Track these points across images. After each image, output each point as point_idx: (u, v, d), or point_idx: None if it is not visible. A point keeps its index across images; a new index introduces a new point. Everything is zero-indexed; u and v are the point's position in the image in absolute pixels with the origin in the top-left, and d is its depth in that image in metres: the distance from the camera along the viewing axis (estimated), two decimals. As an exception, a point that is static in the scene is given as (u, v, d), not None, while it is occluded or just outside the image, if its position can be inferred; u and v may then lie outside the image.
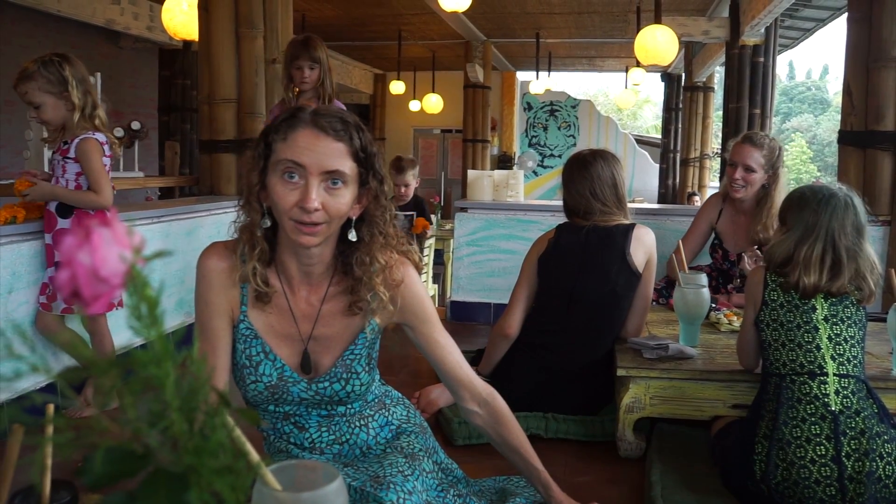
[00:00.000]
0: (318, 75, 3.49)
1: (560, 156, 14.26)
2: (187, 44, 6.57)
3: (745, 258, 3.12)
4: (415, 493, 1.55)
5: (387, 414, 1.73)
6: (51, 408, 0.94)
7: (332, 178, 1.39)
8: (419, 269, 1.67)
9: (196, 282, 1.55)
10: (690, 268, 3.36)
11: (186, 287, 3.70)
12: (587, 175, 2.76)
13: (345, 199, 1.42)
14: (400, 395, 1.85)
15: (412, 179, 4.81)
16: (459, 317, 4.54)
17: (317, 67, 3.47)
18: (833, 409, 1.92)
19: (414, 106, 11.99)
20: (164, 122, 8.02)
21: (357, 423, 1.67)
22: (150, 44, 8.09)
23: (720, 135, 8.67)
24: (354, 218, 1.50)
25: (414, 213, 4.58)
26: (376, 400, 1.73)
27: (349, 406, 1.65)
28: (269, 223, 1.47)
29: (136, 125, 4.53)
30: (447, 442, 2.52)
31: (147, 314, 0.51)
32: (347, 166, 1.41)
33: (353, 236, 1.50)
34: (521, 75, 14.08)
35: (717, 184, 9.11)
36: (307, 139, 1.39)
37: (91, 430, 0.48)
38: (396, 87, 11.03)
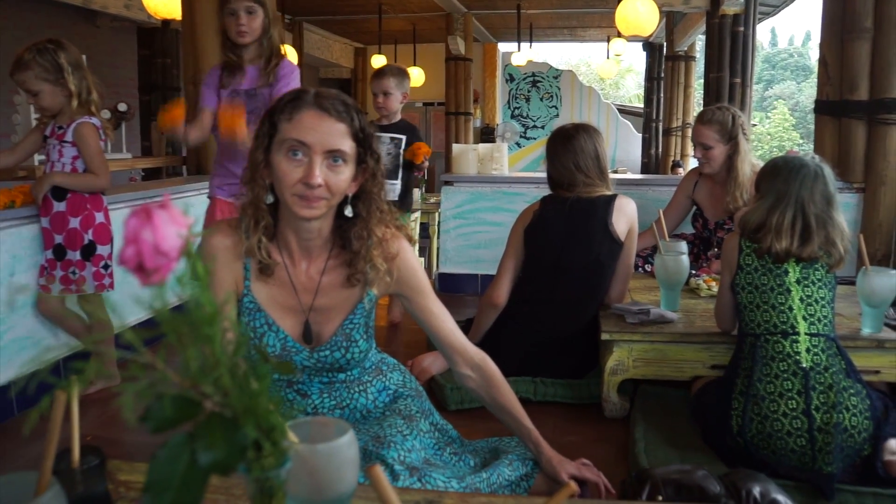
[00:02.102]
0: (260, 23, 2.78)
1: (543, 127, 14.31)
2: (166, 22, 6.52)
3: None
4: (413, 451, 1.66)
5: (384, 379, 1.83)
6: (73, 379, 1.03)
7: (334, 156, 1.48)
8: (412, 243, 1.76)
9: (201, 258, 1.63)
10: (673, 236, 3.47)
11: (179, 266, 3.77)
12: (570, 148, 2.86)
13: (345, 176, 1.51)
14: (396, 361, 1.94)
15: (395, 88, 3.74)
16: (447, 288, 4.63)
17: (258, 12, 2.77)
18: (804, 365, 2.04)
19: (396, 79, 11.96)
20: (146, 102, 7.95)
21: (356, 389, 1.77)
22: (128, 22, 8.01)
23: (702, 103, 8.75)
24: (351, 195, 1.58)
25: (403, 136, 3.73)
26: (374, 367, 1.83)
27: (349, 373, 1.74)
28: (272, 199, 1.56)
29: (122, 107, 4.56)
30: (440, 407, 2.62)
31: (199, 281, 0.60)
32: (348, 145, 1.50)
33: (349, 212, 1.59)
34: (503, 46, 14.05)
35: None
36: (311, 119, 1.47)
37: (162, 380, 0.58)
38: (378, 61, 11.00)
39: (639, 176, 6.46)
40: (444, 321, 1.74)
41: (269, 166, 1.52)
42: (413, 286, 1.70)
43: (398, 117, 3.80)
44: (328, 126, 1.48)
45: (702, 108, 7.70)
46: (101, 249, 2.81)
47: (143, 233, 0.58)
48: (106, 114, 3.15)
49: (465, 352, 1.74)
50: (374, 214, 1.60)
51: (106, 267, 2.83)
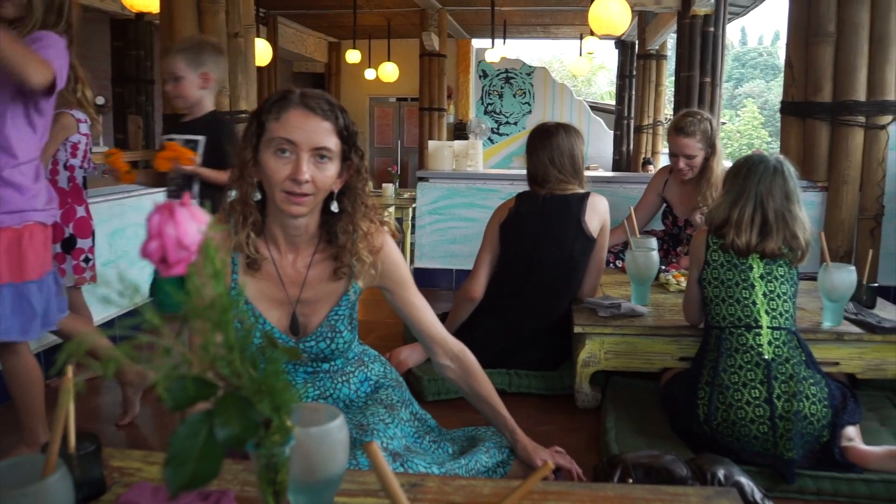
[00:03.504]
0: None
1: (515, 123, 14.40)
2: (140, 14, 6.48)
3: (697, 219, 3.33)
4: (396, 438, 1.73)
5: (366, 370, 1.89)
6: (69, 368, 1.07)
7: (320, 153, 1.54)
8: (395, 238, 1.82)
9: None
10: (643, 232, 3.57)
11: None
12: (548, 144, 2.94)
13: (330, 173, 1.57)
14: (377, 353, 2.00)
15: (187, 69, 2.72)
16: (422, 283, 4.68)
17: None
18: (766, 357, 2.14)
19: (369, 74, 11.96)
20: (119, 94, 7.90)
21: (339, 379, 1.82)
22: (101, 13, 7.95)
23: (673, 101, 8.88)
24: (336, 191, 1.64)
25: (202, 137, 2.74)
26: (356, 358, 1.88)
27: (332, 363, 1.80)
28: (259, 196, 1.61)
29: (100, 100, 4.54)
30: (418, 398, 2.67)
31: (214, 274, 0.66)
32: (333, 143, 1.56)
33: (335, 207, 1.65)
34: (477, 43, 14.11)
35: (669, 150, 9.31)
36: (298, 119, 1.53)
37: (184, 362, 0.63)
38: (352, 55, 11.01)
39: (610, 174, 6.56)
40: (425, 313, 1.81)
41: (258, 164, 1.57)
42: (396, 279, 1.77)
43: (203, 109, 2.82)
44: (314, 124, 1.54)
45: (675, 108, 7.87)
46: (82, 243, 2.83)
47: (167, 228, 0.64)
48: (100, 100, 3.13)
49: (446, 343, 1.81)
50: (359, 209, 1.66)
51: (87, 260, 2.85)
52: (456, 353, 1.81)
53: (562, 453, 1.81)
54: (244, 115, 4.53)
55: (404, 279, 1.78)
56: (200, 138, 2.73)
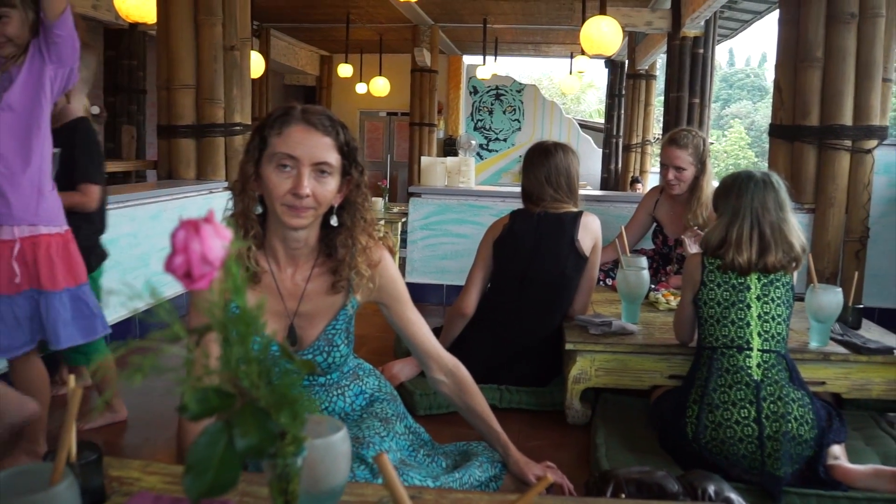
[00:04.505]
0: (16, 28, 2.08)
1: (505, 139, 14.49)
2: (134, 24, 6.50)
3: (686, 239, 3.37)
4: (391, 451, 1.75)
5: (360, 384, 1.91)
6: (72, 377, 1.09)
7: (321, 168, 1.57)
8: (392, 252, 1.85)
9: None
10: (634, 251, 3.61)
11: (152, 269, 3.80)
12: (545, 163, 2.98)
13: (331, 187, 1.60)
14: (371, 367, 2.02)
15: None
16: (413, 298, 4.62)
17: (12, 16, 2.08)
18: (755, 378, 2.18)
19: (360, 88, 12.01)
20: (111, 104, 7.92)
21: (335, 392, 1.84)
22: (95, 22, 7.97)
23: (661, 120, 8.97)
24: (336, 206, 1.67)
25: (57, 150, 2.30)
26: (351, 371, 1.90)
27: (328, 377, 1.82)
28: (260, 209, 1.64)
29: (95, 109, 4.56)
30: (410, 412, 2.70)
31: (237, 287, 0.69)
32: (334, 158, 1.59)
33: (334, 221, 1.67)
34: (468, 59, 14.22)
35: (657, 169, 9.40)
36: (300, 134, 1.56)
37: (207, 374, 0.66)
38: (345, 70, 11.06)
39: (600, 192, 6.63)
40: (420, 328, 1.83)
41: (259, 178, 1.60)
42: (394, 295, 1.79)
43: (69, 115, 2.55)
44: (315, 140, 1.57)
45: (665, 128, 7.95)
46: (78, 252, 2.84)
47: (192, 244, 0.66)
48: (95, 109, 3.16)
49: (440, 358, 1.83)
50: (358, 223, 1.69)
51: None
52: (451, 368, 1.83)
53: (553, 468, 1.83)
54: (238, 128, 4.56)
55: (401, 294, 1.81)
56: (56, 151, 2.28)
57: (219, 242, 0.67)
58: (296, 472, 0.79)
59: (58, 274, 2.11)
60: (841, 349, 2.62)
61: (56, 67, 2.10)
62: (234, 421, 0.68)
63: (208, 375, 0.67)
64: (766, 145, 4.50)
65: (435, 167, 4.73)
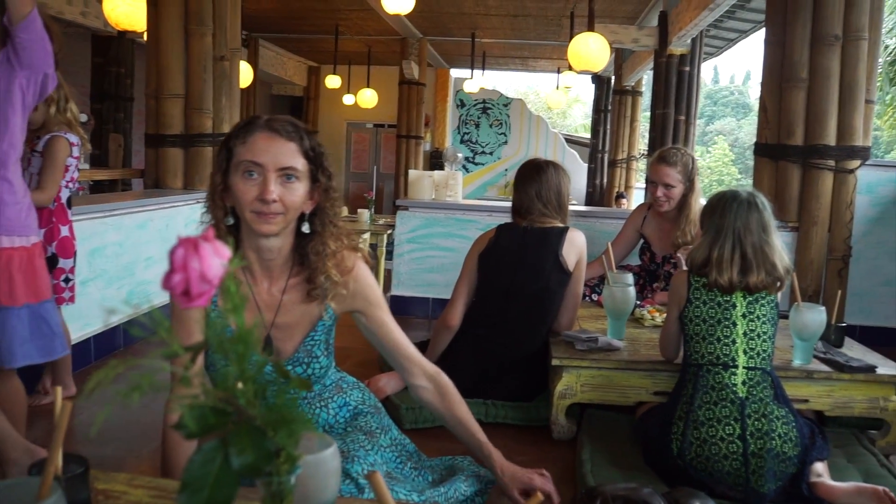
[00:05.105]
0: None
1: (491, 153, 14.54)
2: (122, 31, 6.49)
3: (681, 256, 3.39)
4: (376, 465, 1.74)
5: (344, 396, 1.90)
6: (58, 389, 1.08)
7: (287, 173, 1.58)
8: (367, 262, 1.85)
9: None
10: (619, 267, 3.63)
11: (137, 279, 3.78)
12: (537, 178, 3.01)
13: (299, 193, 1.61)
14: (355, 379, 2.01)
15: None
16: (399, 311, 4.71)
17: None
18: (740, 395, 2.20)
19: (348, 100, 12.02)
20: (98, 111, 7.90)
21: (318, 405, 1.84)
22: (83, 29, 7.95)
23: (647, 137, 9.02)
24: (308, 213, 1.68)
25: None
26: (334, 384, 1.90)
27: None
28: (231, 220, 1.64)
29: (83, 117, 4.54)
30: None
31: (235, 306, 0.69)
32: (300, 163, 1.60)
33: (306, 228, 1.68)
34: (455, 72, 14.28)
35: (643, 184, 9.47)
36: (264, 141, 1.58)
37: (206, 393, 0.66)
38: (332, 81, 11.07)
39: (586, 208, 6.67)
40: (399, 333, 1.82)
41: (228, 189, 1.61)
42: (371, 299, 1.78)
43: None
44: (279, 146, 1.58)
45: (650, 144, 8.01)
46: (63, 263, 2.82)
47: (192, 262, 0.67)
48: (84, 117, 3.14)
49: (422, 363, 1.82)
50: (328, 228, 1.70)
51: (67, 280, 2.84)
52: (432, 373, 1.82)
53: (546, 477, 1.79)
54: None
55: (378, 299, 1.80)
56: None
57: (218, 261, 0.68)
58: (290, 490, 0.79)
59: (17, 289, 2.02)
60: (824, 367, 2.64)
61: (28, 73, 2.05)
62: (230, 439, 0.69)
63: (206, 394, 0.67)
64: (750, 162, 4.55)
65: (422, 180, 4.74)
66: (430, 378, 1.82)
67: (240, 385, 0.69)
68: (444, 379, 1.83)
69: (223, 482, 0.68)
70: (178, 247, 0.68)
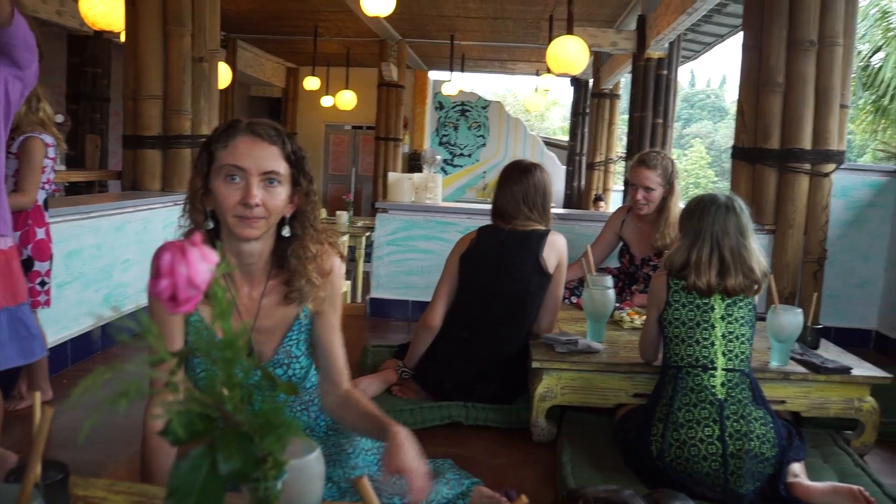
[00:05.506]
0: None
1: (470, 155, 14.57)
2: (98, 31, 6.43)
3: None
4: (357, 468, 1.74)
5: None
6: (37, 395, 1.07)
7: (269, 177, 1.57)
8: (342, 260, 1.84)
9: (151, 277, 1.67)
10: (599, 270, 3.65)
11: (114, 282, 3.74)
12: (523, 180, 3.00)
13: (281, 197, 1.59)
14: None
15: None
16: (378, 313, 4.71)
17: None
18: (719, 397, 2.22)
19: (326, 101, 11.97)
20: (73, 112, 7.80)
21: (298, 408, 1.83)
22: (58, 28, 7.85)
23: (625, 139, 9.08)
24: (288, 216, 1.67)
25: None
26: (314, 387, 1.89)
27: None
28: (211, 225, 1.63)
29: (59, 118, 4.49)
30: (376, 429, 2.70)
31: (222, 311, 0.69)
32: (282, 167, 1.59)
33: (286, 232, 1.67)
34: (433, 74, 14.30)
35: (621, 187, 9.53)
36: (246, 145, 1.56)
37: (193, 399, 0.66)
38: (311, 83, 11.04)
39: (564, 210, 6.70)
40: (340, 341, 1.79)
41: (209, 193, 1.60)
42: (335, 305, 1.77)
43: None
44: (261, 150, 1.57)
45: (628, 147, 8.06)
46: (39, 266, 2.78)
47: (179, 267, 0.66)
48: (59, 118, 3.10)
49: (345, 377, 1.78)
50: (308, 232, 1.68)
51: (43, 284, 2.80)
52: (348, 388, 1.78)
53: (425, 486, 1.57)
54: (205, 140, 4.52)
55: (339, 303, 1.78)
56: None
57: (205, 266, 0.68)
58: (276, 495, 0.79)
59: None
60: (800, 369, 2.67)
61: (14, 72, 2.04)
62: (217, 445, 0.68)
63: (193, 400, 0.67)
64: (726, 164, 4.60)
65: (402, 183, 4.74)
66: (344, 391, 1.77)
67: (225, 392, 0.68)
68: (355, 395, 1.77)
69: (210, 488, 0.68)
70: (165, 251, 0.68)
